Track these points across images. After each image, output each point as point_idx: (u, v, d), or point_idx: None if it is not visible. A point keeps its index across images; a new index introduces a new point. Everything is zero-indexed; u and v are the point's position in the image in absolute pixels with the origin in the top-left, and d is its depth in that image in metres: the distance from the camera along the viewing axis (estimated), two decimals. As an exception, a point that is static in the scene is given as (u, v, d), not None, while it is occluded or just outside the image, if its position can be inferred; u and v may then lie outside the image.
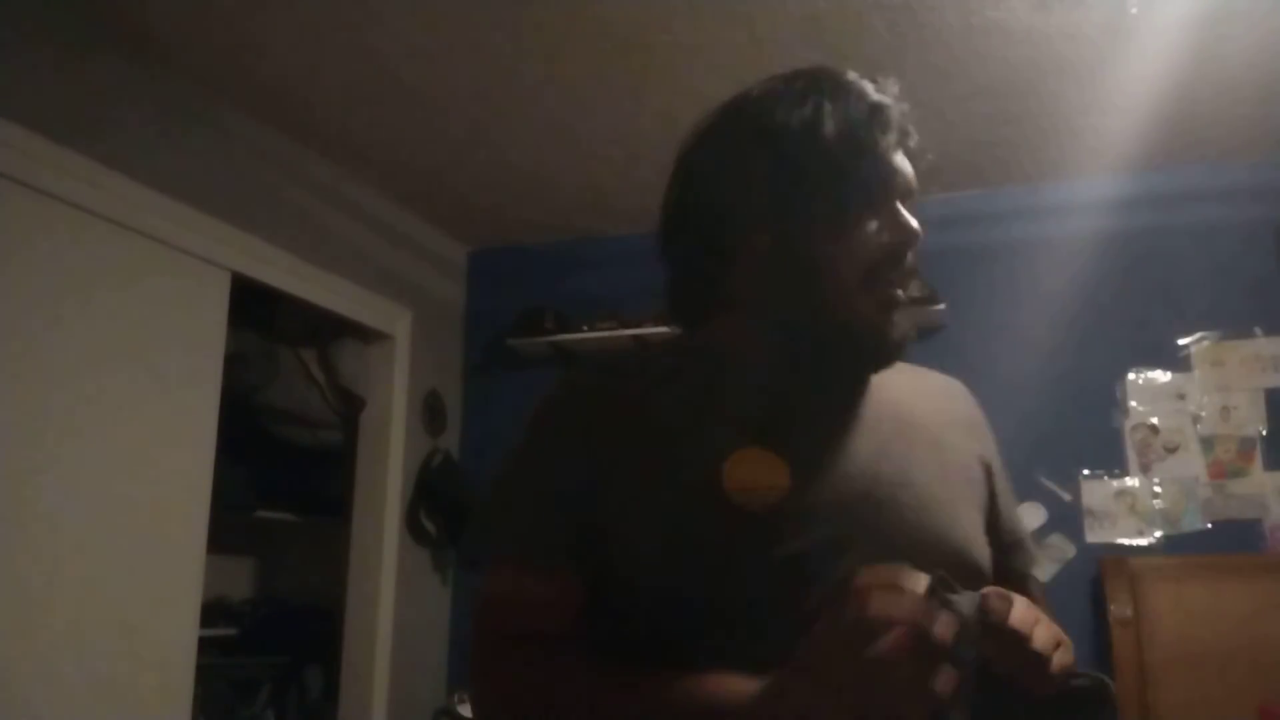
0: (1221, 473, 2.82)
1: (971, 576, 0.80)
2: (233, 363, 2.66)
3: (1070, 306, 2.98)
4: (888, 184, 0.88)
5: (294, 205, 2.84)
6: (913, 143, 0.93)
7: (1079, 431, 2.92)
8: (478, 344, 3.62)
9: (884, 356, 0.87)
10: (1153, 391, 2.92)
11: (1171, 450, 2.87)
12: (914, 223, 0.87)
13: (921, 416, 0.91)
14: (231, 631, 3.25)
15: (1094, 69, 2.43)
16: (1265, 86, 2.52)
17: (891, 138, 0.90)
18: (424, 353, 3.37)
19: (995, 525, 0.92)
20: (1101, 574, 2.76)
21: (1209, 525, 2.80)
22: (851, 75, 0.91)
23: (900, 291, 0.87)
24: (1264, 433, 2.81)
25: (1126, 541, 2.85)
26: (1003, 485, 0.95)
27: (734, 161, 0.90)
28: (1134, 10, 2.19)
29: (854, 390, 0.90)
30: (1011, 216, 3.12)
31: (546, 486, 0.89)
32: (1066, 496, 2.91)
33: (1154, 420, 2.90)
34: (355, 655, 3.03)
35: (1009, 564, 0.92)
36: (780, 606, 0.77)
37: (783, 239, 0.87)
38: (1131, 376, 2.94)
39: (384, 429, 3.19)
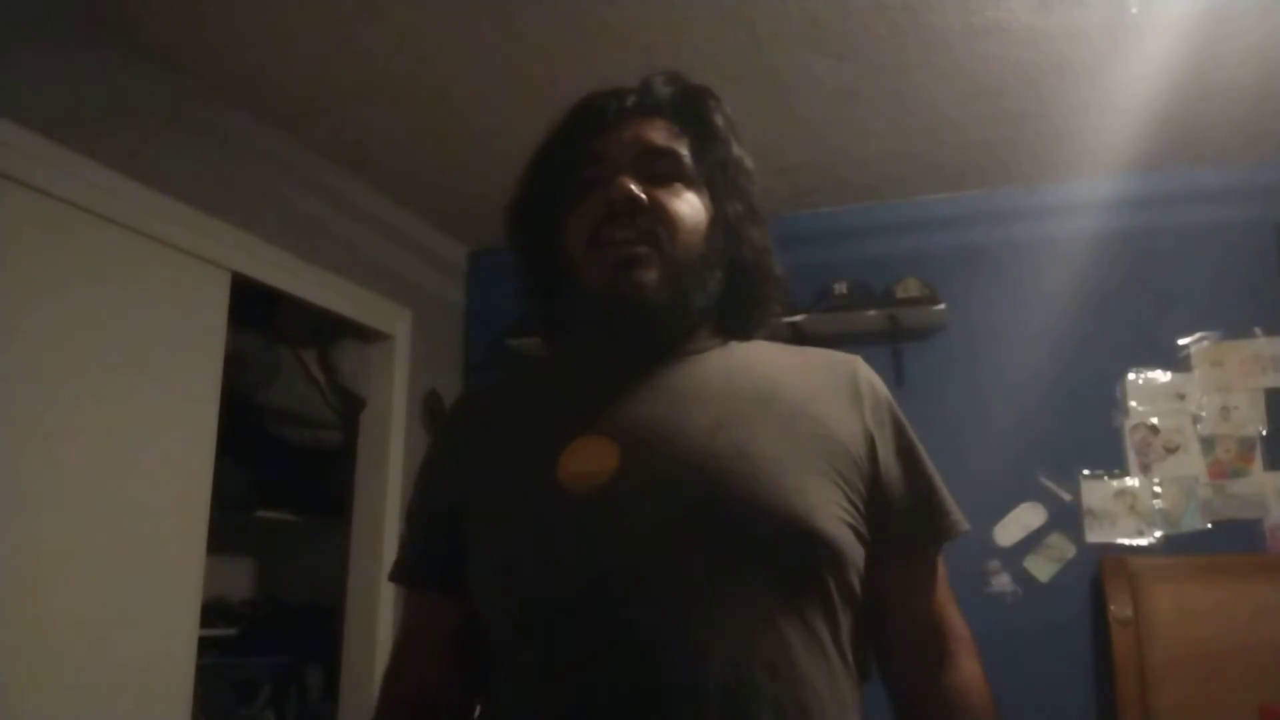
0: (1221, 473, 2.82)
1: (811, 543, 0.81)
2: (233, 363, 2.66)
3: (1070, 306, 2.98)
4: (595, 162, 0.92)
5: (294, 205, 2.84)
6: (651, 99, 0.96)
7: (1079, 431, 2.92)
8: (478, 344, 3.62)
9: (626, 308, 0.88)
10: (1153, 391, 2.92)
11: (1171, 450, 2.87)
12: (623, 185, 0.88)
13: (780, 390, 0.90)
14: (231, 631, 3.25)
15: (1094, 69, 2.43)
16: (1265, 87, 2.52)
17: (606, 120, 0.94)
18: (424, 353, 3.37)
19: (881, 496, 0.88)
20: (1101, 574, 2.76)
21: (1209, 525, 2.80)
22: (603, 87, 0.99)
23: (628, 243, 0.88)
24: (1264, 433, 2.81)
25: (1126, 541, 2.85)
26: (895, 455, 0.91)
27: (513, 195, 1.02)
28: (1134, 10, 2.19)
29: (678, 364, 0.92)
30: (1011, 216, 3.12)
31: (412, 513, 1.00)
32: (1066, 496, 2.91)
33: (1154, 420, 2.90)
34: (355, 655, 3.03)
35: (903, 536, 0.90)
36: (609, 589, 0.79)
37: (541, 245, 0.96)
38: (1131, 376, 2.94)
39: (384, 429, 3.19)
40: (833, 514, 0.83)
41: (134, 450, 2.26)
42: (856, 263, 3.14)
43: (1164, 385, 2.91)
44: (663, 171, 0.92)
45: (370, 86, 2.53)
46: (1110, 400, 2.94)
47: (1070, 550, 2.87)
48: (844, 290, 3.01)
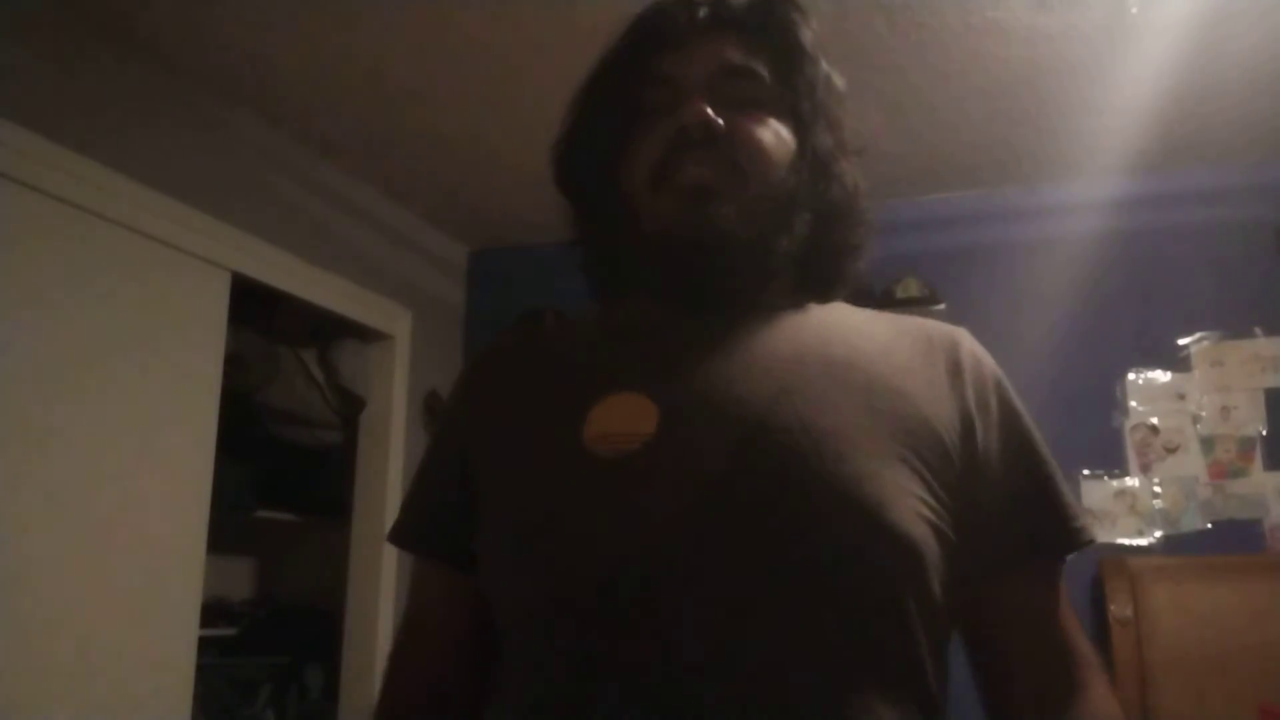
0: (1221, 473, 2.82)
1: (883, 543, 0.64)
2: (233, 363, 2.66)
3: (1070, 306, 2.98)
4: (662, 85, 0.79)
5: (294, 205, 2.84)
6: (726, 9, 0.81)
7: (1079, 431, 2.92)
8: (478, 344, 3.61)
9: (697, 250, 0.74)
10: (1153, 391, 2.92)
11: (1171, 450, 2.87)
12: (697, 108, 0.74)
13: (860, 359, 0.74)
14: (231, 631, 3.25)
15: (1094, 69, 2.42)
16: (1265, 87, 2.52)
17: (673, 36, 0.81)
18: (424, 353, 3.37)
19: (979, 488, 0.72)
20: (1101, 574, 2.76)
21: (1209, 525, 2.80)
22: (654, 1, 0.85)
23: (697, 176, 0.74)
24: (1264, 433, 2.81)
25: (1126, 541, 2.84)
26: (1005, 443, 0.76)
27: (562, 128, 0.91)
28: (1134, 10, 2.19)
29: (744, 322, 0.77)
30: (1011, 216, 3.12)
31: (421, 471, 0.87)
32: (1066, 496, 2.90)
33: (1154, 420, 2.90)
34: (355, 655, 3.03)
35: (1007, 536, 0.72)
36: (626, 586, 0.64)
37: (600, 183, 0.83)
38: (1131, 376, 2.94)
39: (384, 429, 3.19)
40: (911, 507, 0.66)
41: (134, 450, 2.26)
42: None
43: (1164, 385, 2.91)
44: (742, 95, 0.77)
45: (370, 86, 2.53)
46: (1110, 400, 2.94)
47: (1070, 550, 2.87)
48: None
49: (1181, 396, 2.89)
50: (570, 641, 0.66)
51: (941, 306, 2.97)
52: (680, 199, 0.74)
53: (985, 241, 3.12)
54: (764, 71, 0.78)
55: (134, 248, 2.29)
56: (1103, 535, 2.86)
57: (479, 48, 2.35)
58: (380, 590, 3.05)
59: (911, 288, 2.98)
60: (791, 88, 0.79)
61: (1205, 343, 2.90)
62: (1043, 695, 0.72)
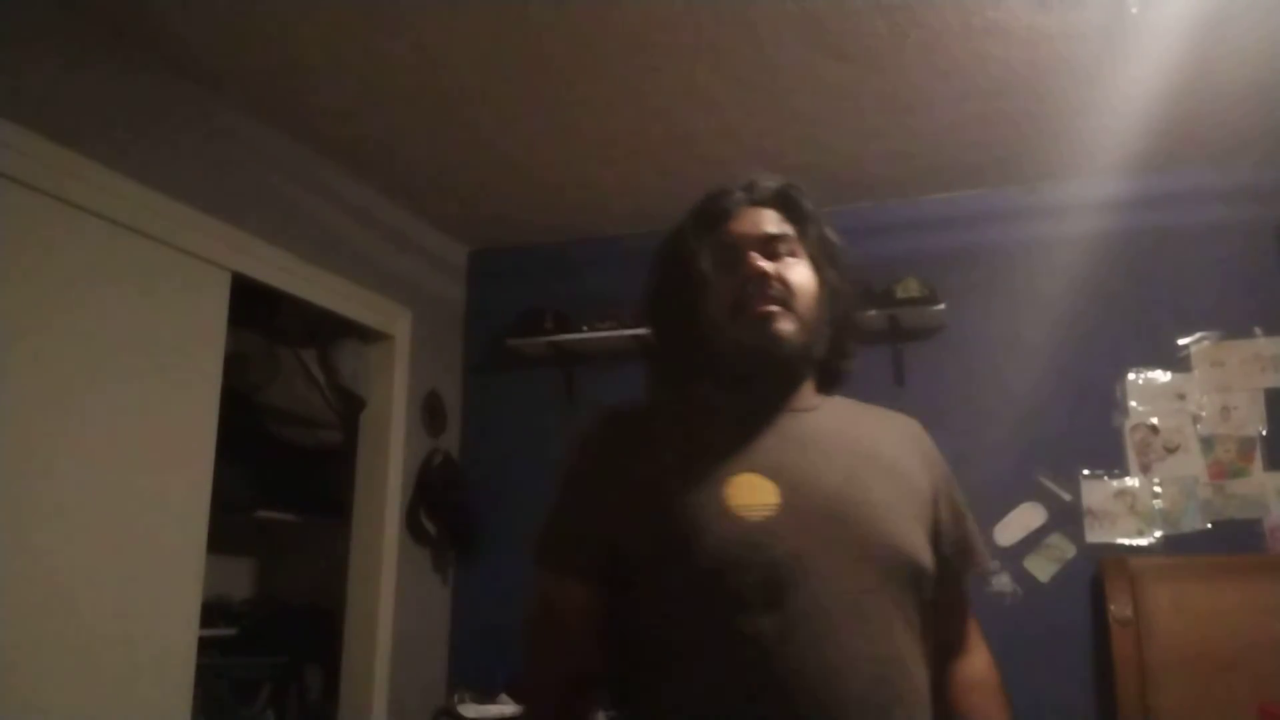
0: (1221, 473, 2.82)
1: (914, 574, 1.10)
2: (233, 363, 2.66)
3: (1070, 306, 2.98)
4: (725, 248, 1.17)
5: (294, 205, 2.84)
6: (759, 194, 1.21)
7: (1079, 431, 2.92)
8: (478, 344, 3.62)
9: (767, 353, 1.13)
10: (1153, 391, 2.92)
11: (1171, 450, 2.88)
12: (757, 262, 1.14)
13: (882, 450, 1.18)
14: (231, 631, 3.25)
15: (1094, 69, 2.43)
16: (1265, 87, 2.52)
17: (728, 212, 1.20)
18: (424, 353, 3.37)
19: (941, 538, 1.18)
20: (1101, 574, 2.76)
21: (1209, 525, 2.80)
22: (715, 187, 1.24)
23: (766, 307, 1.12)
24: (1264, 433, 2.81)
25: (1126, 541, 2.85)
26: (949, 506, 1.21)
27: (652, 274, 1.27)
28: (1134, 10, 2.19)
29: (796, 416, 1.16)
30: (1011, 217, 3.12)
31: (571, 509, 1.16)
32: (1066, 496, 2.91)
33: (1154, 420, 2.90)
34: (355, 655, 3.03)
35: (951, 568, 1.19)
36: (771, 595, 1.02)
37: (684, 312, 1.20)
38: (1131, 376, 2.94)
39: (384, 429, 3.19)
40: (923, 547, 1.13)
41: (134, 450, 2.26)
42: (856, 263, 3.13)
43: (1164, 385, 2.91)
44: (780, 250, 1.17)
45: (370, 87, 2.53)
46: (1110, 400, 2.94)
47: (1070, 550, 2.87)
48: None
49: (1181, 396, 2.89)
50: (752, 626, 1.02)
51: (941, 306, 2.98)
52: (754, 325, 1.13)
53: (985, 241, 3.12)
54: (791, 232, 1.19)
55: (134, 248, 2.29)
56: (1103, 535, 2.87)
57: (479, 49, 2.35)
58: (380, 590, 3.05)
59: (911, 288, 2.98)
60: (808, 242, 1.20)
61: (1205, 343, 2.90)
62: (947, 656, 1.22)
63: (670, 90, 2.53)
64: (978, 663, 1.25)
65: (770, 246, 1.17)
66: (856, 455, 1.15)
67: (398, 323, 3.26)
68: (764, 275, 1.13)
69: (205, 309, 2.50)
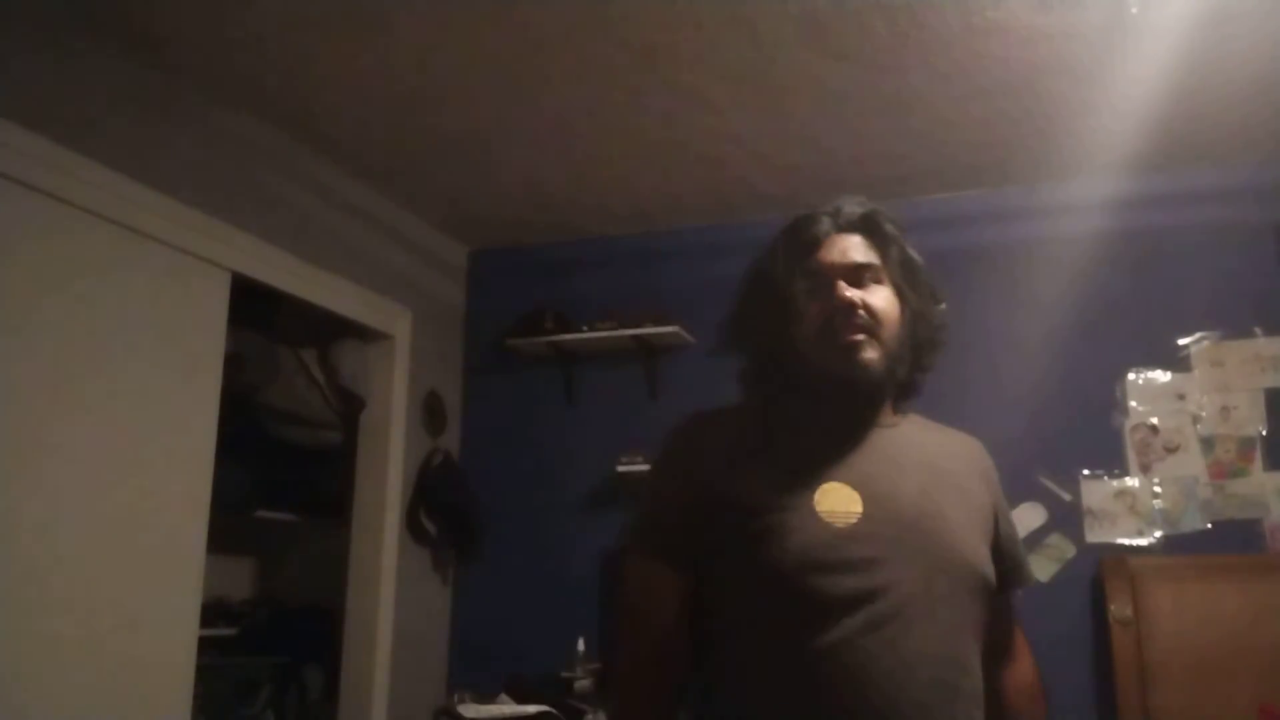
0: (1221, 473, 2.82)
1: (981, 585, 1.18)
2: (233, 363, 2.66)
3: (1070, 306, 2.98)
4: (814, 275, 1.23)
5: (294, 205, 2.84)
6: (845, 220, 1.28)
7: (1079, 431, 2.92)
8: (478, 344, 3.62)
9: (853, 380, 1.20)
10: (1153, 391, 2.92)
11: (1171, 450, 2.88)
12: (845, 292, 1.20)
13: (951, 467, 1.27)
14: (231, 631, 3.25)
15: (1094, 69, 2.43)
16: (1265, 87, 2.52)
17: (816, 240, 1.26)
18: (424, 353, 3.37)
19: (998, 552, 1.25)
20: (1101, 574, 2.76)
21: (1209, 525, 2.80)
22: (804, 213, 1.30)
23: (853, 335, 1.19)
24: (1264, 433, 2.81)
25: (1126, 541, 2.85)
26: (1005, 522, 1.30)
27: (741, 294, 1.33)
28: (1134, 10, 2.19)
29: (878, 432, 1.24)
30: (1011, 216, 3.12)
31: (662, 501, 1.23)
32: (1066, 496, 2.91)
33: (1154, 420, 2.90)
34: (355, 655, 3.03)
35: (1005, 582, 1.26)
36: (853, 597, 1.09)
37: (774, 334, 1.26)
38: (1131, 376, 2.94)
39: (384, 429, 3.19)
40: (987, 560, 1.21)
41: (134, 450, 2.26)
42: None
43: (1164, 385, 2.91)
44: (865, 277, 1.23)
45: (371, 87, 2.53)
46: (1110, 400, 2.94)
47: (1070, 550, 2.87)
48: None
49: (1181, 396, 2.89)
50: (832, 625, 1.08)
51: (942, 306, 2.96)
52: (841, 353, 1.19)
53: (985, 241, 3.12)
54: (876, 260, 1.25)
55: (134, 248, 2.29)
56: (1103, 535, 2.86)
57: (480, 50, 2.35)
58: (380, 590, 3.05)
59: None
60: (891, 266, 1.26)
61: (1205, 343, 2.90)
62: (996, 660, 1.28)
63: (670, 91, 2.53)
64: (1025, 668, 1.34)
65: (856, 275, 1.23)
66: (930, 471, 1.23)
67: (398, 323, 3.26)
68: (851, 305, 1.19)
69: (205, 309, 2.50)
